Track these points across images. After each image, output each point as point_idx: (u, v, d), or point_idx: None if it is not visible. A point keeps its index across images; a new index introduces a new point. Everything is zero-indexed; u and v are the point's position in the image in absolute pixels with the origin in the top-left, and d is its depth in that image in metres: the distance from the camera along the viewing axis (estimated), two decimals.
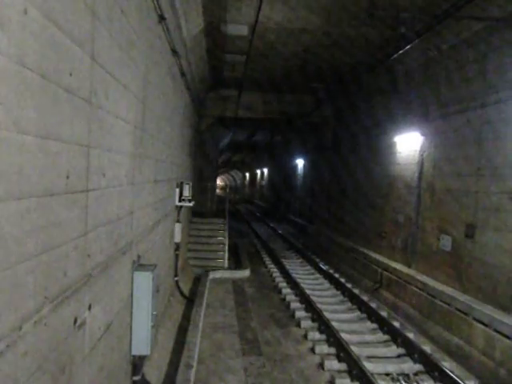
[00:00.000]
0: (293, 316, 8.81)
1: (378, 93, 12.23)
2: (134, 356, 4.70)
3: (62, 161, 2.45)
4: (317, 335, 7.62)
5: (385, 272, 10.57)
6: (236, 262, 13.86)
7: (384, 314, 8.75)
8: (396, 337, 7.39)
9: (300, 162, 23.93)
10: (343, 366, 6.38)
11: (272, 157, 32.91)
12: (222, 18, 9.01)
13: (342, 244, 14.17)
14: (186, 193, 9.51)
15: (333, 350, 6.94)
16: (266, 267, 13.67)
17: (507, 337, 6.16)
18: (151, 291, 4.64)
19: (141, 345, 4.63)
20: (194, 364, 5.64)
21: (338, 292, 10.70)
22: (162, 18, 5.69)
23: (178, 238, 9.39)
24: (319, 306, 8.93)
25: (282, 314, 9.02)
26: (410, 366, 6.41)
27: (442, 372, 5.93)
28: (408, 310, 9.06)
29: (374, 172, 12.51)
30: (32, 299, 2.11)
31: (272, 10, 8.54)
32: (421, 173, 9.72)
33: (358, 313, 9.04)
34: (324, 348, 7.02)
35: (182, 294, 9.36)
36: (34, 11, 2.04)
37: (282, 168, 29.80)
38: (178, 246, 9.45)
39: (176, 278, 9.38)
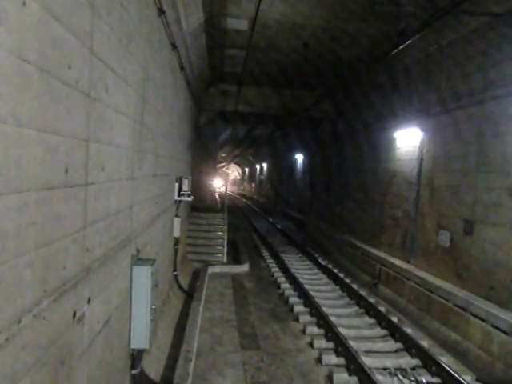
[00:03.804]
0: (291, 310, 8.84)
1: (378, 88, 12.19)
2: (132, 350, 4.72)
3: (60, 154, 2.44)
4: (315, 330, 7.65)
5: (383, 267, 10.60)
6: (235, 257, 13.88)
7: (382, 309, 8.77)
8: (394, 332, 7.43)
9: (299, 157, 23.92)
10: (341, 361, 6.41)
11: (271, 152, 32.87)
12: (221, 12, 8.97)
13: (341, 239, 14.20)
14: (186, 187, 9.51)
15: (331, 345, 6.97)
16: (265, 262, 13.69)
17: (504, 332, 6.20)
18: (150, 285, 4.65)
19: (140, 338, 4.65)
20: (193, 358, 5.67)
21: (337, 287, 10.72)
22: (161, 11, 5.66)
23: (177, 233, 9.40)
24: (318, 300, 8.95)
25: (281, 309, 9.05)
26: (407, 361, 6.45)
27: (440, 366, 5.96)
28: (406, 305, 9.10)
29: (373, 167, 12.51)
30: (31, 293, 2.12)
31: (272, 4, 8.49)
32: (420, 169, 9.72)
33: (356, 308, 9.07)
34: (322, 343, 7.05)
35: (180, 288, 9.39)
36: (32, 4, 2.02)
37: (282, 163, 29.79)
38: (177, 241, 9.46)
39: (175, 273, 9.40)
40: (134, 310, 4.61)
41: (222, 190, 22.80)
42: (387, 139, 11.47)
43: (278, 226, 22.18)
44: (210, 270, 11.55)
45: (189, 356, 5.60)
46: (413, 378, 5.93)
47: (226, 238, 13.47)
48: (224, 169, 61.15)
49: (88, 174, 2.96)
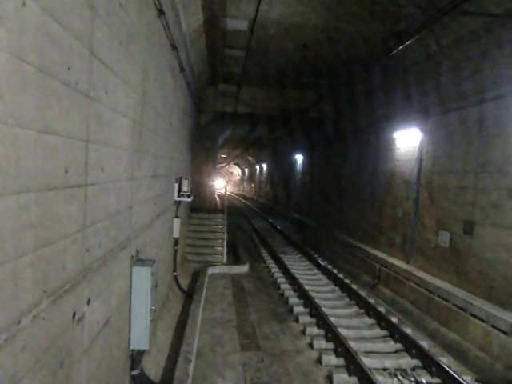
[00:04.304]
0: (291, 311, 8.84)
1: (378, 89, 12.20)
2: (132, 350, 4.72)
3: (60, 155, 2.44)
4: (315, 330, 7.64)
5: (383, 268, 10.60)
6: (235, 258, 13.88)
7: (382, 309, 8.78)
8: (394, 332, 7.42)
9: (299, 158, 23.91)
10: (341, 361, 6.41)
11: (271, 152, 32.86)
12: (221, 12, 8.97)
13: (341, 240, 14.19)
14: (185, 188, 9.50)
15: (331, 345, 6.97)
16: (265, 262, 13.69)
17: (504, 332, 6.20)
18: (150, 286, 4.65)
19: (139, 339, 4.64)
20: (193, 358, 5.66)
21: (337, 287, 10.72)
22: (161, 12, 5.66)
23: (176, 234, 9.40)
24: (317, 301, 8.95)
25: (281, 309, 9.04)
26: (407, 361, 6.44)
27: (439, 367, 5.96)
28: (406, 305, 9.09)
29: (372, 168, 12.51)
30: (31, 293, 2.11)
31: (272, 4, 8.50)
32: (420, 169, 9.72)
33: (356, 308, 9.07)
34: (322, 343, 7.05)
35: (180, 289, 9.38)
36: (32, 4, 2.02)
37: (282, 164, 29.79)
38: (176, 242, 9.46)
39: (175, 273, 9.39)
40: (134, 310, 4.61)
41: (222, 191, 22.61)
42: (387, 139, 11.47)
43: (278, 227, 22.17)
44: (210, 270, 11.55)
45: (188, 357, 5.59)
46: (413, 379, 5.93)
47: (225, 238, 13.46)
48: (227, 168, 60.68)
49: (87, 175, 2.95)
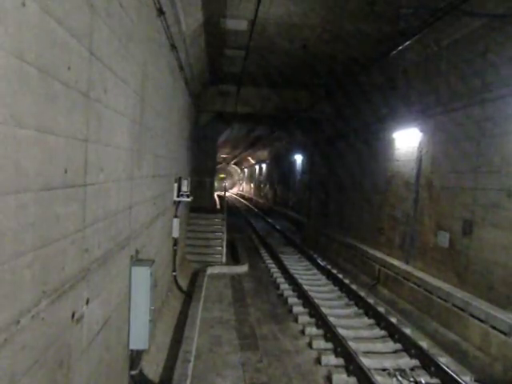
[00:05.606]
0: (290, 311, 8.84)
1: (377, 89, 12.20)
2: (131, 350, 4.72)
3: (59, 155, 2.44)
4: (314, 330, 7.64)
5: (382, 268, 10.60)
6: (234, 258, 13.87)
7: (381, 309, 8.78)
8: (393, 332, 7.43)
9: (298, 158, 23.92)
10: (340, 361, 6.40)
11: (271, 152, 32.87)
12: (221, 12, 8.96)
13: (340, 240, 14.19)
14: (185, 188, 9.50)
15: (330, 346, 6.97)
16: (264, 262, 13.69)
17: (503, 333, 6.20)
18: (149, 286, 4.65)
19: (139, 339, 4.64)
20: (192, 359, 5.66)
21: (336, 288, 10.72)
22: (160, 11, 5.66)
23: (176, 234, 9.39)
24: (316, 301, 8.95)
25: (280, 310, 9.04)
26: (406, 362, 6.44)
27: (438, 367, 5.96)
28: (405, 305, 9.09)
29: (372, 168, 12.51)
30: (30, 293, 2.11)
31: (272, 4, 8.49)
32: (419, 169, 9.72)
33: (355, 308, 9.07)
34: (321, 343, 7.04)
35: (179, 288, 9.38)
36: (31, 4, 2.02)
37: (281, 163, 29.80)
38: (176, 241, 9.46)
39: (174, 273, 9.39)
40: (133, 310, 4.61)
41: (222, 193, 22.43)
42: (386, 140, 11.47)
43: (277, 227, 22.17)
44: (209, 270, 11.54)
45: (188, 357, 5.59)
46: (412, 379, 5.93)
47: (225, 238, 13.46)
48: (222, 170, 59.97)
49: (87, 175, 2.95)
